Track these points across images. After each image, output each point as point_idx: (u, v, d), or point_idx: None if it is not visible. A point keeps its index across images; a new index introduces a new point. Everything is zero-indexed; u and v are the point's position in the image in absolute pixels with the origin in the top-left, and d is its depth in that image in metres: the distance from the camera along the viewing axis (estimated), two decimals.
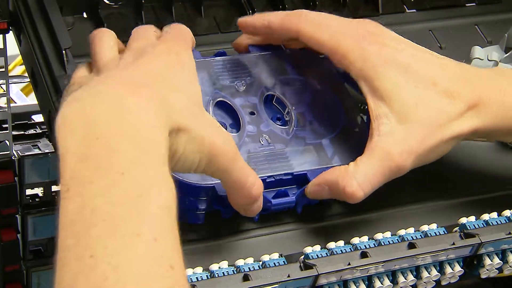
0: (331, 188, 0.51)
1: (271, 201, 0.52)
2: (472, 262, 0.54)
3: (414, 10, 0.69)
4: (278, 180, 0.53)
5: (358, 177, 0.50)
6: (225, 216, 0.52)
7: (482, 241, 0.52)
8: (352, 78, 0.54)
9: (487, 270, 0.54)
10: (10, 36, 0.59)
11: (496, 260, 0.54)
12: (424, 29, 0.68)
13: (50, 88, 0.52)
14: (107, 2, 0.61)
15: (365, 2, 0.67)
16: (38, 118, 0.73)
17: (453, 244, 0.52)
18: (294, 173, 0.53)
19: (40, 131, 0.71)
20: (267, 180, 0.52)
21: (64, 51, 0.52)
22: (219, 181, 0.49)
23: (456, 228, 0.54)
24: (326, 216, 0.54)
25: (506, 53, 0.65)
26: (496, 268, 0.54)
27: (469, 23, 0.69)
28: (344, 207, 0.55)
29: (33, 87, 0.56)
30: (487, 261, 0.54)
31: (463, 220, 0.54)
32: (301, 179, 0.53)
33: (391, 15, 0.68)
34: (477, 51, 0.63)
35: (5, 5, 0.57)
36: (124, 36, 0.60)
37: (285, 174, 0.53)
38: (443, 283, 0.54)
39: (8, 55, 0.64)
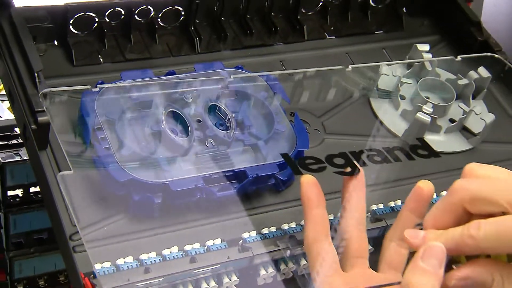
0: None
1: (216, 194, 0.52)
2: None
3: (333, 37, 0.69)
4: (222, 176, 0.52)
5: None
6: (176, 208, 0.52)
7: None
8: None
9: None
10: None
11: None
12: (341, 53, 0.68)
13: (24, 105, 0.52)
14: (75, 31, 0.60)
15: (293, 30, 0.67)
16: None
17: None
18: (235, 170, 0.53)
19: (22, 141, 0.70)
20: (213, 177, 0.52)
21: (36, 73, 0.52)
22: (173, 178, 0.50)
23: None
24: (261, 207, 0.54)
25: (407, 70, 0.66)
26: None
27: (378, 47, 0.70)
28: (275, 198, 0.55)
29: (10, 104, 0.55)
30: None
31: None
32: (241, 175, 0.53)
33: (314, 41, 0.68)
34: (384, 68, 0.63)
35: None
36: (90, 59, 0.60)
37: (228, 171, 0.53)
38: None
39: None
